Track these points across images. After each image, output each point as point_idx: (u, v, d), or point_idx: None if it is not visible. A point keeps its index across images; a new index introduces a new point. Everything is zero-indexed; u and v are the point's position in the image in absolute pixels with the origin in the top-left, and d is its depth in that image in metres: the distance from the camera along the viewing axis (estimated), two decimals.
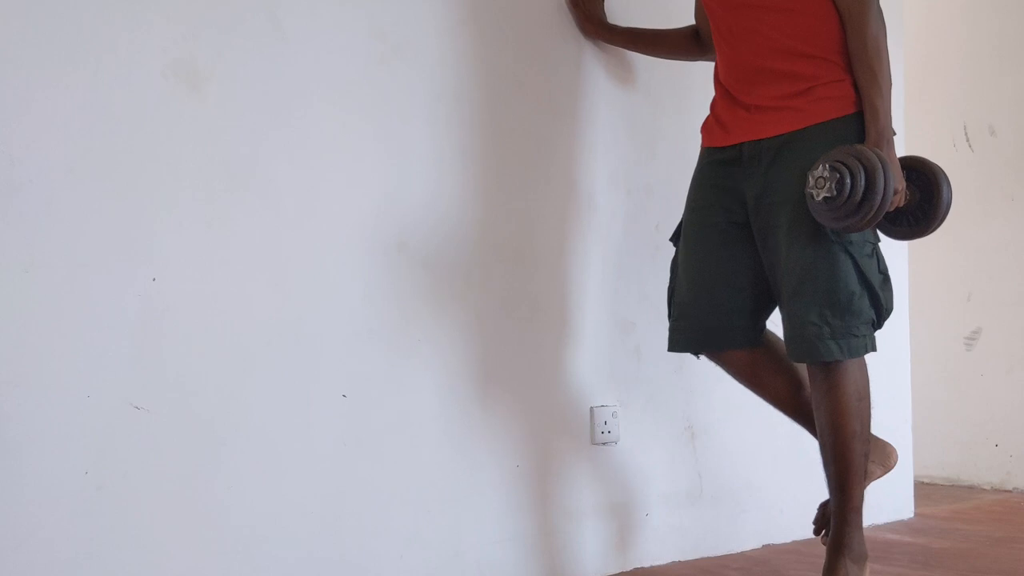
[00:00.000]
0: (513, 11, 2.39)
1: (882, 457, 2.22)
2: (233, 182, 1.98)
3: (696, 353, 2.24)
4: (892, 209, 1.96)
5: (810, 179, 1.88)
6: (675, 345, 2.23)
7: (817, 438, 2.10)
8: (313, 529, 2.04)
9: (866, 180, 1.84)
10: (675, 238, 2.27)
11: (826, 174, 1.85)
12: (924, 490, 3.38)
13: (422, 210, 2.22)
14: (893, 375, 3.10)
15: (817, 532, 2.25)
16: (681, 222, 2.26)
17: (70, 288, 1.80)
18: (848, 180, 1.83)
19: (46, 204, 1.78)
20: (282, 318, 2.02)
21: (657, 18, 2.52)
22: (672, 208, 2.49)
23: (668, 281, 2.27)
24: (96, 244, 1.83)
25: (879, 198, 1.84)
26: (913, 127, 3.34)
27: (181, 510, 1.89)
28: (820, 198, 1.86)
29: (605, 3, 2.49)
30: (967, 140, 3.86)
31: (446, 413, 2.23)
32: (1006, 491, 3.65)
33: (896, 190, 1.91)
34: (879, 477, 2.24)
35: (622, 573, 2.46)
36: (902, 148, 3.08)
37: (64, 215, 1.80)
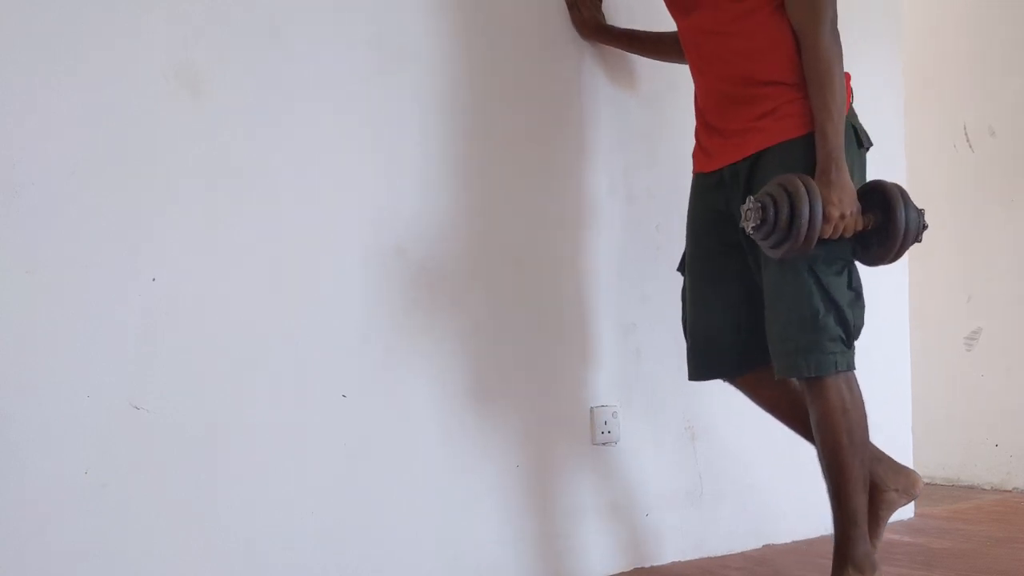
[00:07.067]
0: (512, 16, 2.39)
1: (906, 485, 2.23)
2: (233, 185, 1.98)
3: (710, 378, 2.25)
4: (850, 233, 1.96)
5: (740, 213, 1.94)
6: (693, 374, 2.26)
7: None
8: (312, 530, 2.04)
9: (790, 207, 1.87)
10: (682, 267, 2.30)
11: (751, 206, 1.91)
12: (924, 490, 3.34)
13: (421, 214, 2.22)
14: (893, 375, 3.10)
15: None
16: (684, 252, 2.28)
17: (71, 289, 1.80)
18: (771, 209, 1.88)
19: (47, 206, 1.78)
20: (282, 319, 2.02)
21: (654, 21, 2.51)
22: (673, 211, 2.49)
23: (681, 311, 2.29)
24: (97, 245, 1.83)
25: (804, 222, 1.87)
26: (913, 128, 3.34)
27: (181, 510, 1.90)
28: (749, 229, 1.92)
29: (603, 6, 2.49)
30: (967, 141, 3.86)
31: (446, 414, 2.24)
32: (1006, 491, 3.64)
33: (843, 214, 1.92)
34: (903, 505, 2.26)
35: (622, 573, 2.46)
36: (902, 150, 3.11)
37: (65, 216, 1.80)
